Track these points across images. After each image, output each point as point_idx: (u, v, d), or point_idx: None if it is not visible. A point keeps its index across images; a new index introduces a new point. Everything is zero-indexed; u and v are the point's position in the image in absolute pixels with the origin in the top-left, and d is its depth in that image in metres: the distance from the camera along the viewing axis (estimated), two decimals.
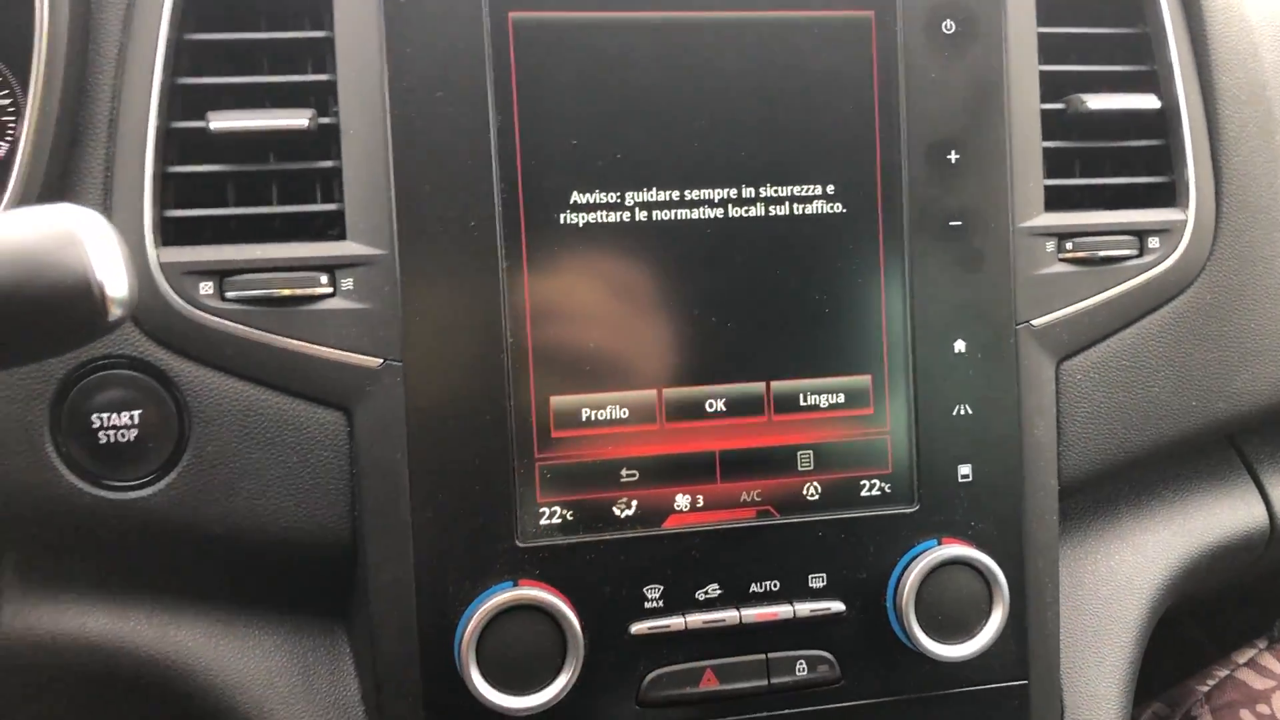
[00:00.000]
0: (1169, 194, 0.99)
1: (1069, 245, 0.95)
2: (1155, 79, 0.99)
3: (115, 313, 0.50)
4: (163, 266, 0.82)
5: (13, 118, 0.85)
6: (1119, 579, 1.04)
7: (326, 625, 0.92)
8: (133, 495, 0.83)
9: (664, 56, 0.86)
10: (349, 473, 0.85)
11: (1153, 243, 0.97)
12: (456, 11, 0.83)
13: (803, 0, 0.88)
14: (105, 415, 0.82)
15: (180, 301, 0.82)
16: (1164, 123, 0.99)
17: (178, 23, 0.83)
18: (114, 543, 0.86)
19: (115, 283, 0.50)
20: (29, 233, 0.49)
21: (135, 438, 0.82)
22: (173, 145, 0.84)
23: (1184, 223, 0.98)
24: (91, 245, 0.49)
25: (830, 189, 0.89)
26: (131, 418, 0.82)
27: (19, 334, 0.49)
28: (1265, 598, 1.29)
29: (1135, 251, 0.97)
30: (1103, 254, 0.95)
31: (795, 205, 0.89)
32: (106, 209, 0.83)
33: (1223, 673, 1.20)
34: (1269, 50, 1.04)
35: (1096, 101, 0.95)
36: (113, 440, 0.82)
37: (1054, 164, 0.96)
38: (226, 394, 0.83)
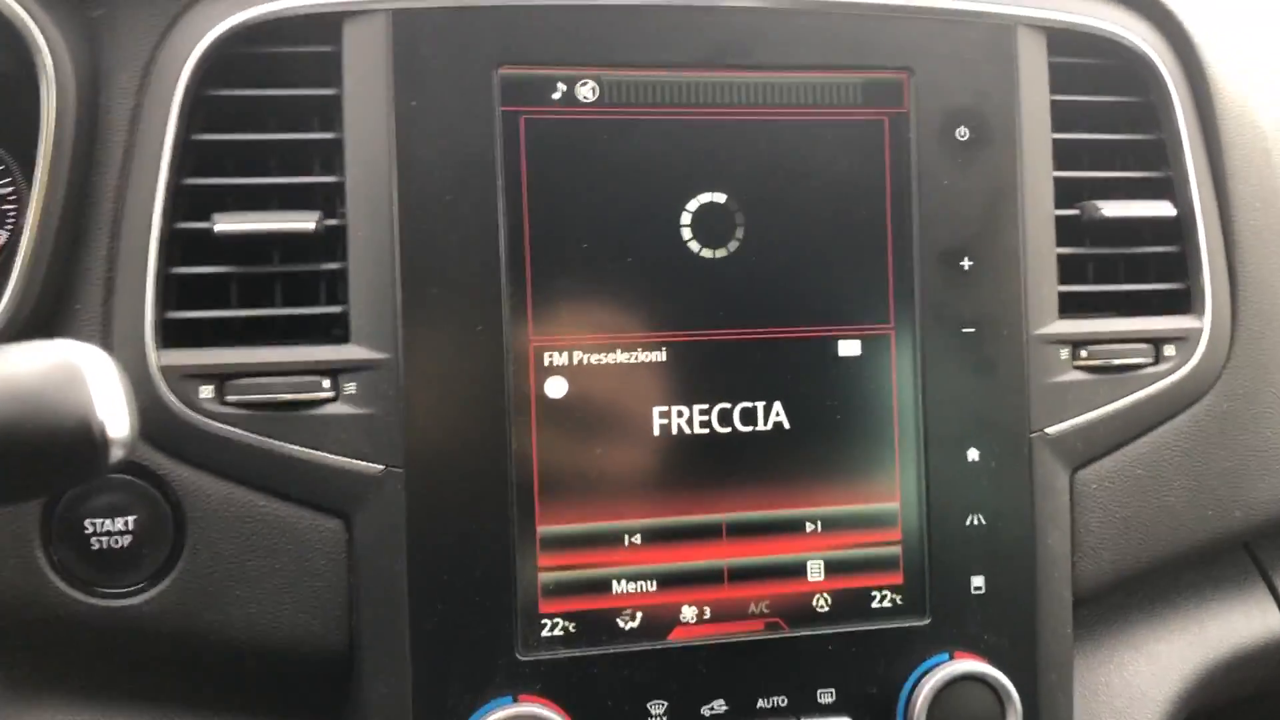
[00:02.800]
0: (1184, 301, 0.98)
1: (1083, 353, 0.93)
2: (1170, 185, 0.98)
3: (116, 454, 0.48)
4: (163, 370, 0.80)
5: (14, 206, 0.84)
6: (1133, 690, 1.01)
7: None
8: (125, 603, 0.81)
9: (676, 156, 0.86)
10: (347, 582, 0.83)
11: (1168, 350, 0.96)
12: (468, 113, 0.82)
13: (818, 102, 0.88)
14: (99, 521, 0.80)
15: (179, 405, 0.80)
16: (1179, 229, 0.98)
17: (185, 123, 0.82)
18: (103, 649, 0.84)
19: (117, 423, 0.48)
20: (30, 368, 0.47)
21: (129, 544, 0.80)
22: (176, 246, 0.83)
23: (1200, 330, 0.97)
24: (94, 384, 0.47)
25: (844, 297, 0.88)
26: (126, 524, 0.80)
27: (14, 473, 0.47)
28: None
29: (1151, 359, 0.95)
30: (1118, 362, 0.94)
31: (810, 313, 0.88)
32: (107, 309, 0.81)
33: None
34: None
35: (1112, 209, 0.94)
36: (105, 546, 0.80)
37: (1068, 270, 0.95)
38: (224, 499, 0.82)
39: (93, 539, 0.80)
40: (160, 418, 0.80)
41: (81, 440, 0.47)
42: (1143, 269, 0.99)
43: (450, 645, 0.82)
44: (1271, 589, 1.09)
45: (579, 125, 0.85)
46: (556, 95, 0.84)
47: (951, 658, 0.89)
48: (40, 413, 0.47)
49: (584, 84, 0.85)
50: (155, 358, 0.80)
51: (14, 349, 0.48)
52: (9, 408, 0.46)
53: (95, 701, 0.87)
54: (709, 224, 0.86)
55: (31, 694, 0.87)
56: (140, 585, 0.81)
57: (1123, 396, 0.94)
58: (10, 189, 0.85)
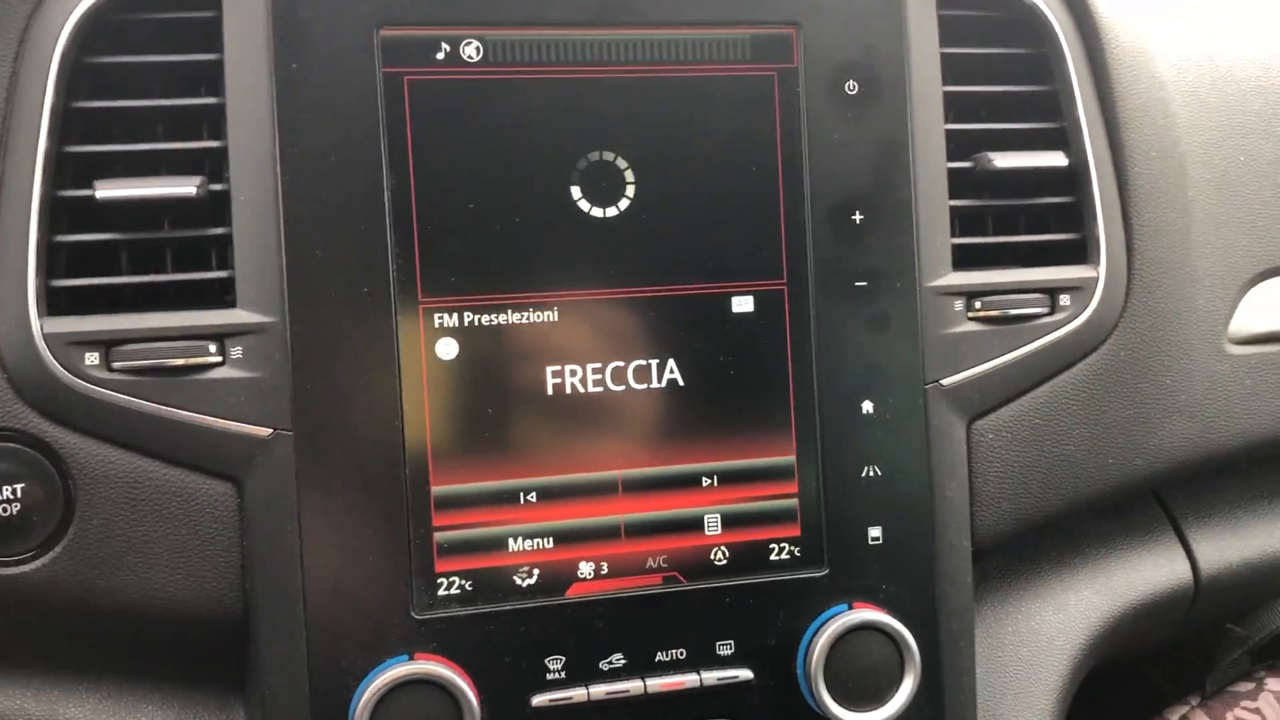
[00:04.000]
0: (1080, 251, 0.99)
1: (978, 304, 0.94)
2: (1064, 136, 0.99)
3: None
4: (47, 337, 0.80)
5: None
6: (1040, 639, 1.02)
7: (222, 699, 0.90)
8: (15, 570, 0.81)
9: (564, 116, 0.86)
10: (240, 546, 0.83)
11: (1064, 300, 0.97)
12: (350, 75, 0.82)
13: (706, 59, 0.88)
14: None
15: (65, 373, 0.80)
16: (1073, 180, 0.98)
17: (64, 90, 0.82)
18: None
19: None
20: None
21: (17, 512, 0.80)
22: (61, 214, 0.82)
23: (1095, 280, 0.97)
24: None
25: (735, 252, 0.88)
26: (14, 492, 0.80)
27: None
28: (1199, 651, 1.28)
29: (1047, 309, 0.96)
30: (1013, 312, 0.95)
31: (698, 267, 0.88)
32: None
33: None
34: (1181, 106, 1.04)
35: (1004, 160, 0.95)
36: None
37: (966, 223, 0.96)
38: (113, 466, 0.82)
39: None
40: (46, 385, 0.80)
41: None
42: (1039, 221, 0.99)
43: (345, 606, 0.83)
44: (1180, 537, 1.10)
45: (464, 85, 0.85)
46: (440, 55, 0.84)
47: (850, 608, 0.90)
48: None
49: (468, 44, 0.85)
50: (39, 325, 0.80)
51: None
52: None
53: None
54: (598, 183, 0.86)
55: None
56: (30, 553, 0.81)
57: (1019, 347, 0.95)
58: None
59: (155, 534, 0.82)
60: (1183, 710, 1.18)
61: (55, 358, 0.80)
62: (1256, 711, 1.15)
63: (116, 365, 0.81)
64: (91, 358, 0.81)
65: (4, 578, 0.81)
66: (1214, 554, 1.11)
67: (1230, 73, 1.08)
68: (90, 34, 0.82)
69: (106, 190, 0.81)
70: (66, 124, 0.82)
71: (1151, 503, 1.11)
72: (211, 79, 0.85)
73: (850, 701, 0.88)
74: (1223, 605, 1.16)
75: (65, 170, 0.82)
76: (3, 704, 0.87)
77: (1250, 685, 1.18)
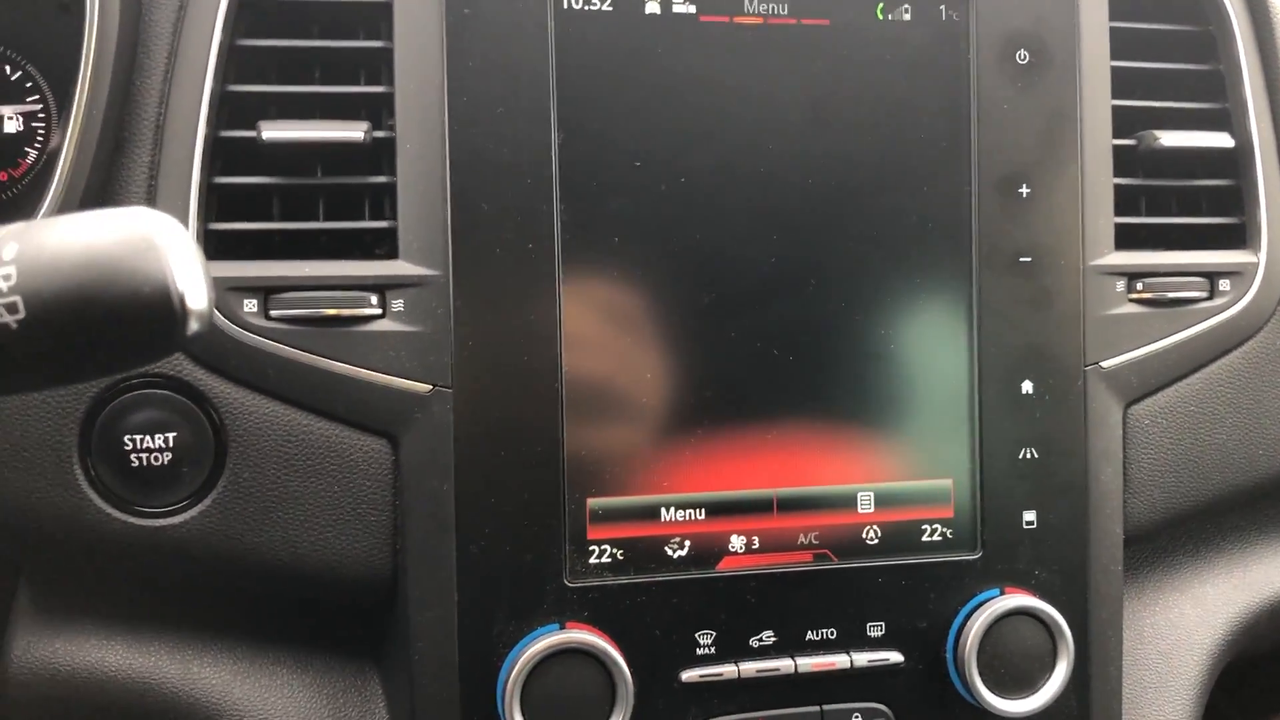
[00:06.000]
0: (1239, 235, 0.96)
1: (1139, 285, 0.91)
2: (1228, 117, 0.96)
3: (194, 325, 0.46)
4: None
5: (42, 123, 0.81)
6: (1179, 633, 1.00)
7: (358, 665, 0.88)
8: (164, 522, 0.79)
9: (730, 75, 0.83)
10: (392, 504, 0.81)
11: (1224, 285, 0.94)
12: (522, 24, 0.80)
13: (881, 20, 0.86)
14: (138, 437, 0.77)
15: (222, 319, 0.78)
16: (1236, 162, 0.96)
17: (230, 27, 0.79)
18: (140, 572, 0.82)
19: (196, 293, 0.46)
20: (104, 236, 0.44)
21: (169, 461, 0.78)
22: (219, 155, 0.80)
23: (1256, 265, 0.95)
24: (172, 252, 0.45)
25: (898, 223, 0.86)
26: (166, 440, 0.78)
27: (90, 346, 0.45)
28: None
29: (1206, 294, 0.93)
30: (1173, 295, 0.92)
31: (858, 239, 0.85)
32: None
33: None
34: None
35: (1170, 138, 0.93)
36: (145, 464, 0.78)
37: (1123, 202, 0.93)
38: (266, 417, 0.79)
39: (132, 455, 0.78)
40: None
41: (160, 309, 0.44)
42: (1197, 203, 0.97)
43: (497, 571, 0.80)
44: None
45: (639, 36, 0.82)
46: (614, 4, 0.82)
47: (1002, 593, 0.87)
48: (116, 280, 0.44)
49: None
50: None
51: (88, 216, 0.46)
52: (85, 275, 0.44)
53: (128, 626, 0.85)
54: (765, 143, 0.84)
55: (63, 618, 0.85)
56: (180, 505, 0.79)
57: (1177, 331, 0.93)
58: (40, 107, 0.82)
59: (307, 490, 0.80)
60: None
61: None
62: None
63: (274, 313, 0.78)
64: (250, 304, 0.78)
65: (151, 529, 0.79)
66: None
67: None
68: None
69: (273, 131, 0.78)
70: (231, 62, 0.80)
71: None
72: (375, 23, 0.82)
73: (1001, 688, 0.86)
74: None
75: (226, 111, 0.80)
76: (137, 661, 0.84)
77: None
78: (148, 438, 0.78)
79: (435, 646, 0.80)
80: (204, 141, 0.78)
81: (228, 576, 0.82)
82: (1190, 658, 0.99)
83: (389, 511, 0.81)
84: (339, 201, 0.82)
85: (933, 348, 0.87)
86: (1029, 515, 0.89)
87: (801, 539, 0.86)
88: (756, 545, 0.85)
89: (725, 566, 0.85)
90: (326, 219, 0.82)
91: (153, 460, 0.78)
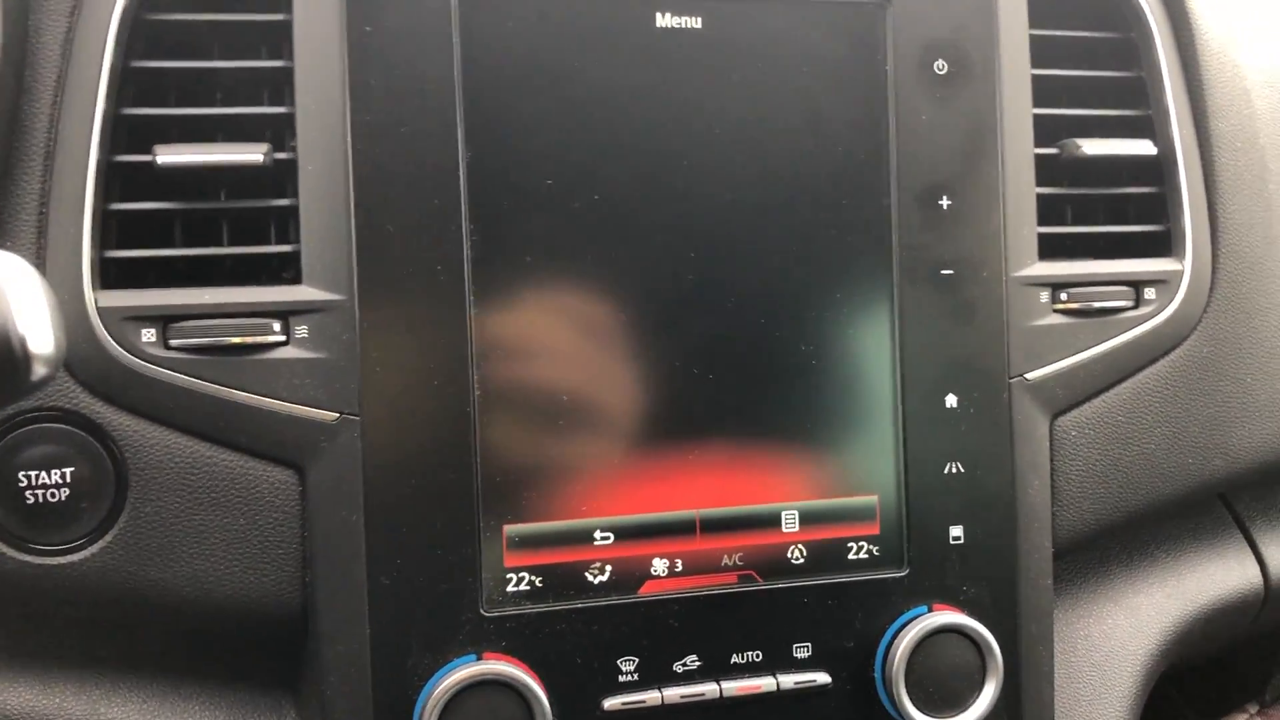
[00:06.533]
0: (1164, 244, 0.96)
1: (1064, 296, 0.91)
2: (1150, 124, 0.95)
3: (40, 371, 0.44)
4: (101, 311, 0.75)
5: None
6: (1112, 644, 0.99)
7: (273, 700, 0.85)
8: (62, 560, 0.76)
9: (645, 89, 0.81)
10: (301, 536, 0.79)
11: (1149, 294, 0.93)
12: (426, 40, 0.78)
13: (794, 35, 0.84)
14: (34, 473, 0.75)
15: (119, 350, 0.75)
16: (1160, 170, 0.95)
17: (123, 49, 0.77)
18: (41, 611, 0.79)
19: (39, 338, 0.43)
20: None
21: (66, 497, 0.75)
22: (115, 181, 0.78)
23: (1181, 273, 0.94)
24: (12, 296, 0.43)
25: (819, 237, 0.84)
26: (63, 475, 0.75)
27: None
28: (1252, 659, 1.25)
29: (1132, 303, 0.93)
30: (1098, 305, 0.91)
31: (778, 255, 0.84)
32: (40, 249, 0.76)
33: None
34: (1260, 97, 1.01)
35: (1092, 146, 0.92)
36: (41, 500, 0.75)
37: (1046, 211, 0.92)
38: (168, 450, 0.77)
39: (27, 492, 0.75)
40: (99, 363, 0.75)
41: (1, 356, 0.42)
42: (1122, 211, 0.96)
43: (410, 602, 0.78)
44: (1249, 540, 1.07)
45: (547, 50, 0.80)
46: (521, 18, 0.80)
47: (930, 610, 0.86)
48: None
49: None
50: (93, 299, 0.75)
51: None
52: None
53: (33, 667, 0.82)
54: (682, 159, 0.82)
55: None
56: (79, 542, 0.77)
57: (1103, 341, 0.92)
58: None
59: (211, 523, 0.78)
60: (1241, 719, 1.15)
61: (110, 334, 0.75)
62: None
63: (174, 343, 0.76)
64: (148, 334, 0.76)
65: (50, 568, 0.76)
66: None
67: None
68: None
69: (169, 156, 0.76)
70: (125, 85, 0.77)
71: (1218, 506, 1.08)
72: (274, 41, 0.80)
73: (930, 707, 0.85)
74: None
75: (121, 135, 0.77)
76: (44, 702, 0.81)
77: None
78: (43, 473, 0.75)
79: (348, 680, 0.78)
80: (97, 167, 0.76)
81: (133, 613, 0.79)
82: (1124, 669, 0.98)
83: (297, 544, 0.79)
84: (247, 226, 0.80)
85: (856, 363, 0.85)
86: (956, 530, 0.87)
87: (725, 560, 0.84)
88: (679, 568, 0.83)
89: (647, 591, 0.83)
90: (235, 243, 0.79)
91: (49, 496, 0.75)
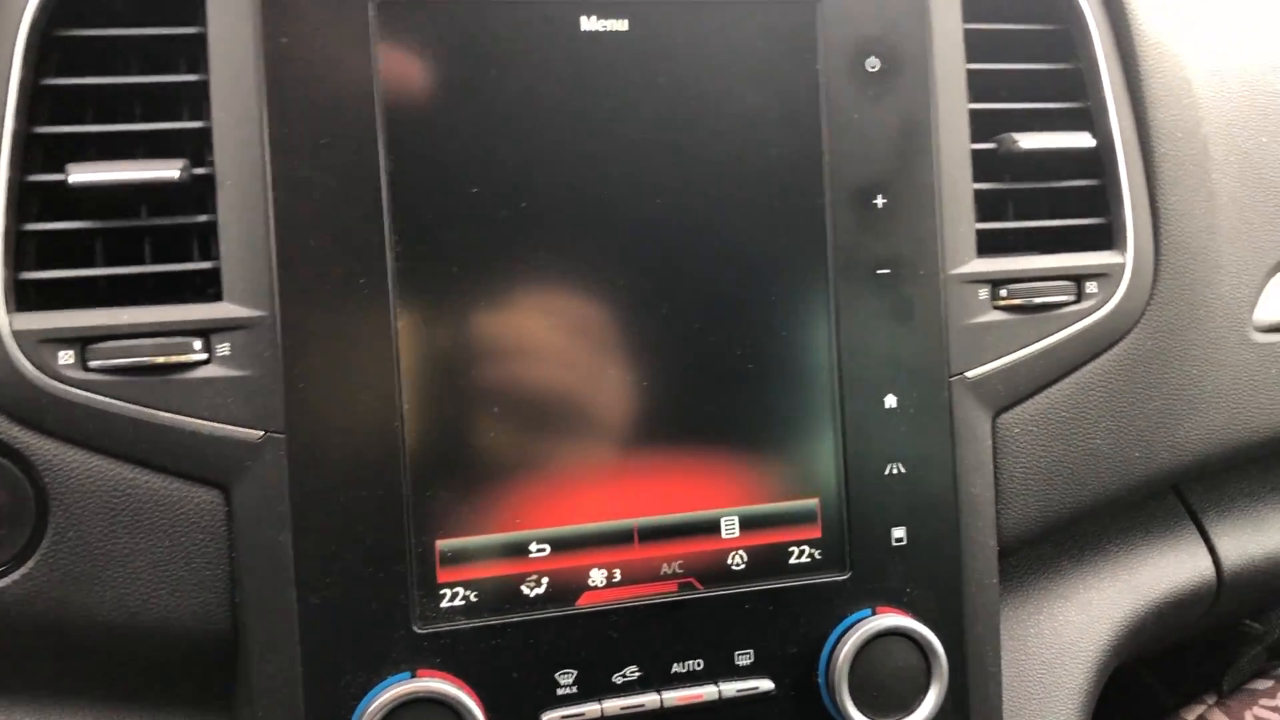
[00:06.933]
0: (1105, 236, 0.95)
1: (1003, 292, 0.90)
2: (1089, 116, 0.94)
3: None
4: (16, 334, 0.74)
5: None
6: (1063, 640, 0.98)
7: None
8: None
9: (570, 93, 0.80)
10: (228, 557, 0.77)
11: (1090, 287, 0.92)
12: (343, 49, 0.76)
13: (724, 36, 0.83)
14: None
15: (36, 372, 0.74)
16: (1099, 162, 0.94)
17: (34, 66, 0.75)
18: None
19: None
20: None
21: None
22: (34, 200, 0.76)
23: (1122, 266, 0.93)
24: None
25: (752, 239, 0.83)
26: None
27: None
28: (1216, 648, 1.25)
29: (1073, 297, 0.92)
30: (1039, 300, 0.90)
31: (711, 257, 0.83)
32: None
33: None
34: (1204, 85, 1.00)
35: (1029, 141, 0.91)
36: None
37: (986, 207, 0.91)
38: (90, 473, 0.76)
39: None
40: (15, 386, 0.74)
41: None
42: (1063, 205, 0.95)
43: (341, 621, 0.77)
44: (1201, 532, 1.07)
45: (468, 59, 0.79)
46: (439, 27, 0.79)
47: (874, 613, 0.85)
48: None
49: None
50: (8, 321, 0.74)
51: None
52: None
53: None
54: (605, 165, 0.81)
55: None
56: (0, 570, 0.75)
57: (1045, 336, 0.91)
58: None
59: (136, 547, 0.76)
60: (1200, 709, 1.14)
61: (26, 356, 0.74)
62: (1275, 709, 1.12)
63: (93, 364, 0.75)
64: (65, 356, 0.75)
65: None
66: (1235, 549, 1.07)
67: (1252, 52, 1.04)
68: (61, 4, 0.76)
69: (81, 175, 0.74)
70: (36, 102, 0.76)
71: (1171, 498, 1.07)
72: (193, 54, 0.79)
73: (874, 711, 0.84)
74: (1244, 601, 1.13)
75: (34, 153, 0.76)
76: None
77: (1269, 683, 1.15)
78: None
79: (280, 701, 0.77)
80: (8, 186, 0.74)
81: (58, 640, 0.78)
82: (1074, 666, 0.98)
83: (225, 564, 0.78)
84: (169, 243, 0.79)
85: (794, 365, 0.85)
86: (898, 532, 0.87)
87: (665, 569, 0.83)
88: (618, 578, 0.82)
89: (585, 602, 0.82)
90: (161, 261, 0.78)
91: None
